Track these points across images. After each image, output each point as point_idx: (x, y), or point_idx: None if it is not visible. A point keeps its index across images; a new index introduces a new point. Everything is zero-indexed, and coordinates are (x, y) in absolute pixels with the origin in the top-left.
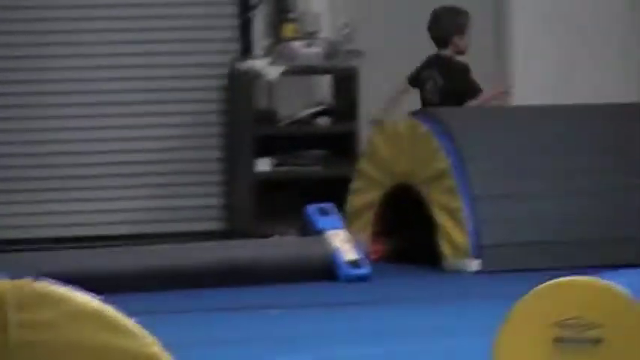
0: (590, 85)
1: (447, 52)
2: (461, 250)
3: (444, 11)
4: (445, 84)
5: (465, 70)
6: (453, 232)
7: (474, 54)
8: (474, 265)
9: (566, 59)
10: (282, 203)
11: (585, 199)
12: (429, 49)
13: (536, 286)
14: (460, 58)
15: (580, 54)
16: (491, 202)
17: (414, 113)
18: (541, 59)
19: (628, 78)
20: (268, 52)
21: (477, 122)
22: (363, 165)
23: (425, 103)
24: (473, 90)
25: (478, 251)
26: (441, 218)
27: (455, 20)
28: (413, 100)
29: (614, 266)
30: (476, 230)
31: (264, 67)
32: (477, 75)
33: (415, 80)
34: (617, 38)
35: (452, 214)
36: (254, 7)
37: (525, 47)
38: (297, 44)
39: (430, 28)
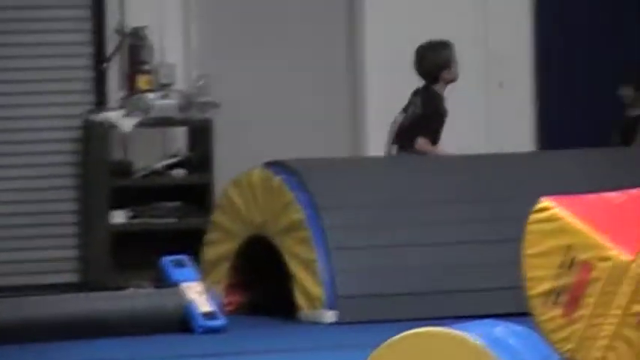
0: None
1: (438, 86)
2: (316, 301)
3: (427, 48)
4: (422, 112)
5: (436, 97)
6: (308, 284)
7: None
8: (330, 316)
9: None
10: (138, 255)
11: (442, 250)
12: (287, 103)
13: (392, 337)
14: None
15: None
16: (347, 253)
17: (268, 164)
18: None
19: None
20: (123, 104)
21: (333, 173)
22: (218, 216)
23: (401, 126)
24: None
25: (333, 303)
26: (296, 269)
27: (439, 55)
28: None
29: (472, 317)
30: (331, 281)
31: (119, 118)
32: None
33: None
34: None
35: (307, 265)
36: (108, 59)
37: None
38: (151, 96)
39: (417, 67)
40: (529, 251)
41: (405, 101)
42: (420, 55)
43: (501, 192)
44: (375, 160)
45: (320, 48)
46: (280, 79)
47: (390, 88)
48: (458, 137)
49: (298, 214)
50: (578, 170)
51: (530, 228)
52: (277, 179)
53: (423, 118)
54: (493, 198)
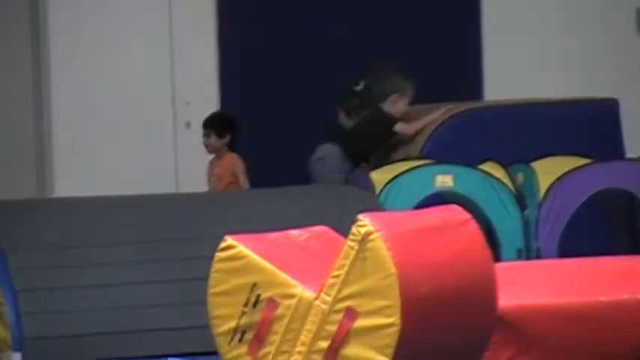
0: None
1: (385, 106)
2: (2, 344)
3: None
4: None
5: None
6: None
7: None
8: (16, 358)
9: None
10: None
11: (127, 290)
12: None
13: None
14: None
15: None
16: (33, 295)
17: None
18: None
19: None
20: None
21: (17, 215)
22: None
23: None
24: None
25: (19, 345)
26: None
27: (399, 81)
28: None
29: (159, 357)
30: (17, 324)
31: None
32: None
33: None
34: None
35: None
36: None
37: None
38: None
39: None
40: (214, 290)
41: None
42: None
43: (186, 231)
44: (62, 200)
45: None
46: None
47: (76, 130)
48: (147, 179)
49: None
50: (263, 209)
51: (215, 266)
52: None
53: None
54: (178, 237)
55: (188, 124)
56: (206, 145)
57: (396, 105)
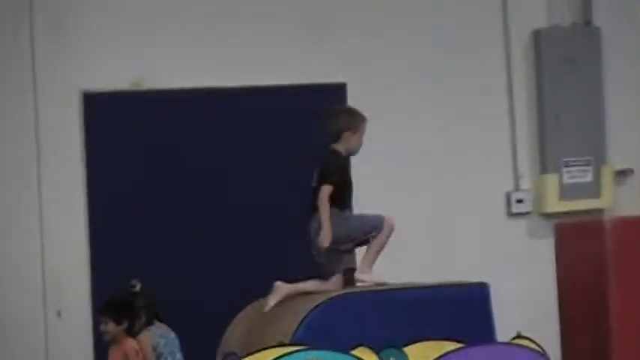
0: None
1: (339, 146)
2: None
3: (340, 108)
4: (321, 167)
5: (335, 153)
6: None
7: None
8: None
9: None
10: None
11: None
12: None
13: None
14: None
15: None
16: None
17: None
18: None
19: None
20: None
21: None
22: None
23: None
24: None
25: None
26: None
27: (349, 118)
28: None
29: None
30: None
31: None
32: None
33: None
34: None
35: None
36: None
37: None
38: None
39: (326, 123)
40: None
41: None
42: (333, 112)
43: None
44: None
45: None
46: None
47: None
48: None
49: None
50: None
51: None
52: None
53: (325, 172)
54: None
55: (59, 313)
56: (103, 332)
57: (349, 142)
